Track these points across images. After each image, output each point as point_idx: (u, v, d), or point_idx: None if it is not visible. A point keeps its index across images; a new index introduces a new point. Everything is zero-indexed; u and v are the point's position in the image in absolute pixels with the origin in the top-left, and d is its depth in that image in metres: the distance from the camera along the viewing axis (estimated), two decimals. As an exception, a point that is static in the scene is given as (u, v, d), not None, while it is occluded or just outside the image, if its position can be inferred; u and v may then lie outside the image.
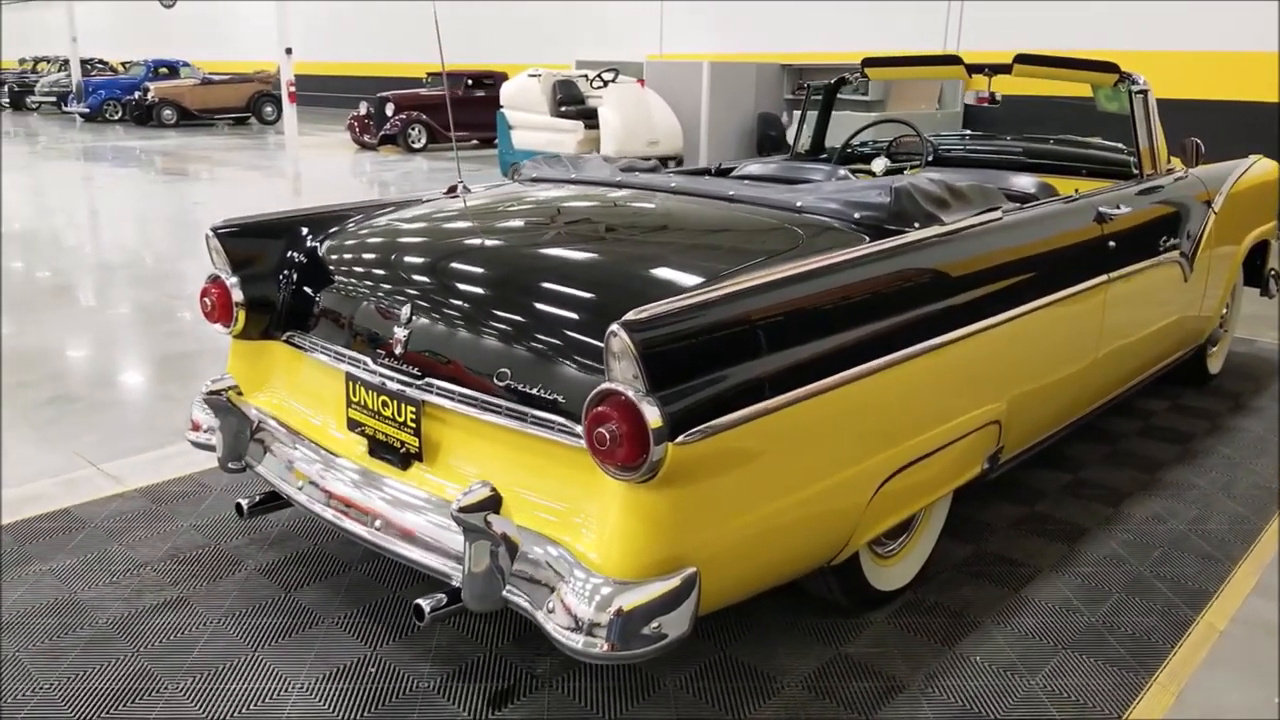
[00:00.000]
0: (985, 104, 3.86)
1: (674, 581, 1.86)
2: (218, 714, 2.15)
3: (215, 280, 2.67)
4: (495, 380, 2.11)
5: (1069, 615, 2.59)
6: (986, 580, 2.76)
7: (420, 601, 2.00)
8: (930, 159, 4.30)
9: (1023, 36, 10.26)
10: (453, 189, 3.21)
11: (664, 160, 10.81)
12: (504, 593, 1.96)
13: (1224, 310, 4.37)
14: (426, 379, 2.23)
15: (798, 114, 4.64)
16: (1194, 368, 4.28)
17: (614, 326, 1.77)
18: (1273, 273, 4.57)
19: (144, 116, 20.35)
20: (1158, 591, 2.71)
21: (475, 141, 16.20)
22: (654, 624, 1.83)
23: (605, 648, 1.81)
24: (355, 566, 2.77)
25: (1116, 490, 3.36)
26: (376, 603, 2.60)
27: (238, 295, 2.64)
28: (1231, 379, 4.55)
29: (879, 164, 4.28)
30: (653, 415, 1.75)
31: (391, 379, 2.30)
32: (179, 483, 3.29)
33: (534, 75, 12.17)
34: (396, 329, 2.31)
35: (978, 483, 2.70)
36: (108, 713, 2.15)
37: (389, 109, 15.38)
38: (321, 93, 24.40)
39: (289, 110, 15.88)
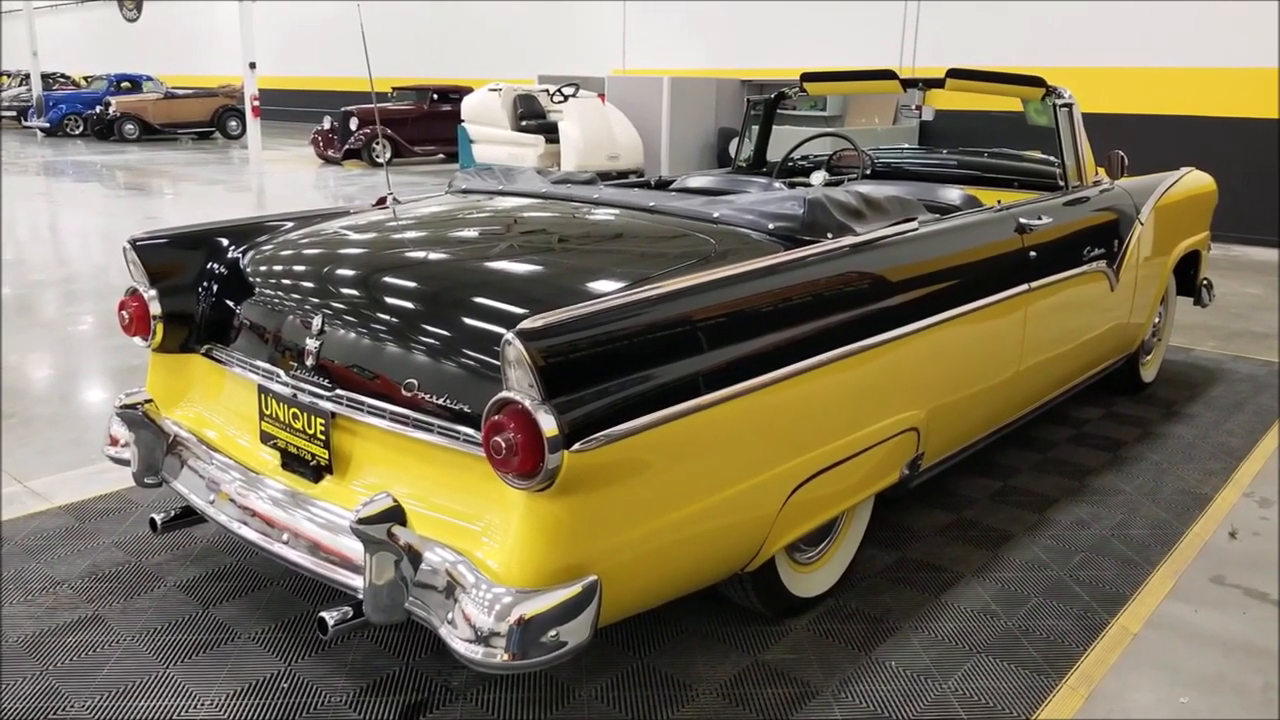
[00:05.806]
0: (918, 116, 3.91)
1: (574, 589, 1.86)
2: (122, 732, 2.12)
3: (133, 293, 2.65)
4: (403, 391, 2.10)
5: (986, 620, 2.62)
6: (908, 586, 2.78)
7: (324, 614, 1.99)
8: (868, 172, 4.35)
9: (980, 53, 10.39)
10: (382, 200, 3.21)
11: (623, 174, 10.86)
12: (406, 604, 1.96)
13: (1156, 319, 4.45)
14: (336, 390, 2.22)
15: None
16: (1127, 376, 4.35)
17: (508, 335, 1.78)
18: (1205, 283, 4.66)
19: (105, 131, 20.11)
20: (1075, 596, 2.74)
21: (441, 155, 16.19)
22: (553, 633, 1.83)
23: (505, 658, 1.81)
24: (278, 582, 2.74)
25: (1044, 497, 3.40)
26: (295, 618, 2.58)
27: (155, 308, 2.62)
28: (1166, 387, 4.62)
29: (818, 177, 4.33)
30: (548, 423, 1.76)
31: (302, 390, 2.29)
32: (104, 499, 3.25)
33: (494, 89, 12.21)
34: (308, 340, 2.29)
35: (898, 490, 2.73)
36: (9, 732, 2.12)
37: (353, 123, 15.34)
38: (286, 107, 24.29)
39: (253, 124, 15.82)
